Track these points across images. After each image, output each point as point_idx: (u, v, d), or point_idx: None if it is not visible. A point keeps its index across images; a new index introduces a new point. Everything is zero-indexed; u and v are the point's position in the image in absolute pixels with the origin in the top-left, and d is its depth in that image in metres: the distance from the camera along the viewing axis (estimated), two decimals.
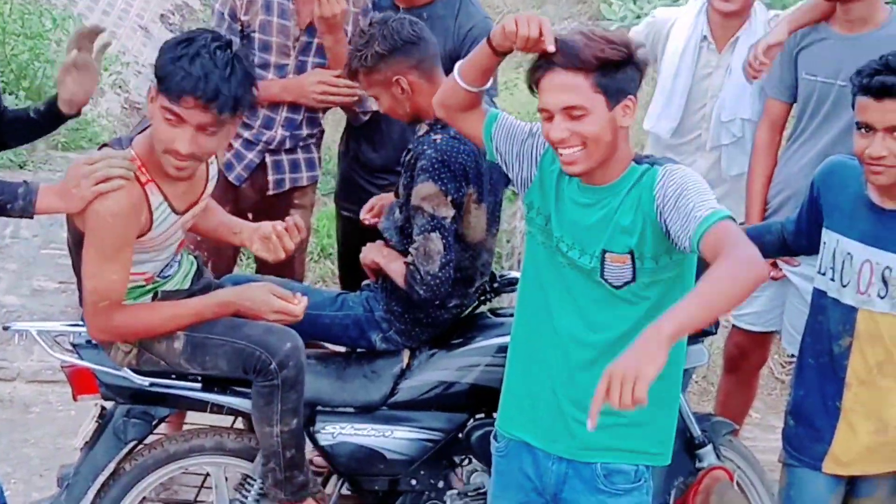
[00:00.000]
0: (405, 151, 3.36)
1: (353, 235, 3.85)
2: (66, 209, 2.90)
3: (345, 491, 3.49)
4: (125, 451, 3.29)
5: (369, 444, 3.35)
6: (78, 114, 3.22)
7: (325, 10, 3.67)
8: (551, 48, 2.58)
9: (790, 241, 3.20)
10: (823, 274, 2.99)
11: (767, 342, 4.23)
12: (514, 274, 3.60)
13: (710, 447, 3.45)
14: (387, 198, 3.68)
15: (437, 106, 2.95)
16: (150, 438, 3.34)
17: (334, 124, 4.41)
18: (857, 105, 2.84)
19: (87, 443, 3.29)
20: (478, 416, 3.42)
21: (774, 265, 3.87)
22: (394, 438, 3.35)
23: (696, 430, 3.45)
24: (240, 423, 3.52)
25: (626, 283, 2.66)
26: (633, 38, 2.63)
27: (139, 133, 2.99)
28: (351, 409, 3.37)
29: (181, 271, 3.18)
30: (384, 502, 3.47)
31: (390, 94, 3.31)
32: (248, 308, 3.08)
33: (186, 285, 3.18)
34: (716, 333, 3.54)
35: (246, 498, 3.34)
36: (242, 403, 3.23)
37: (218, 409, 3.31)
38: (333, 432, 3.35)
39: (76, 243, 2.99)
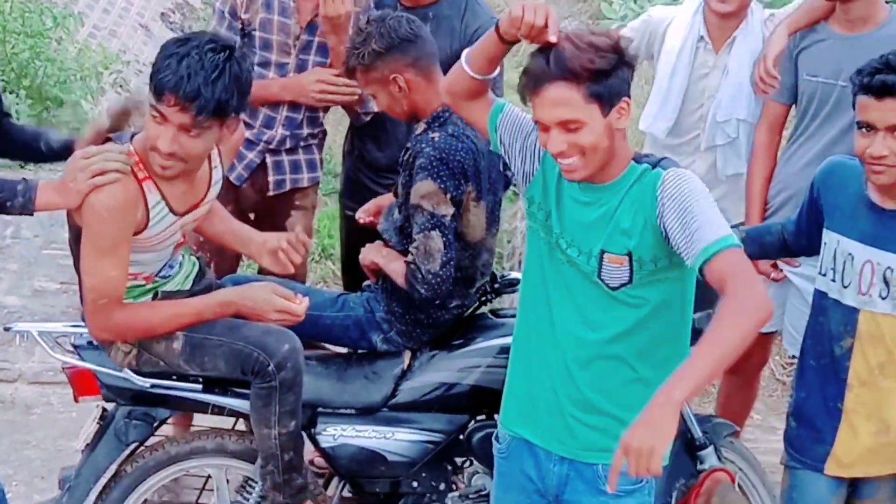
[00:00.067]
0: (403, 150, 3.36)
1: (356, 236, 3.85)
2: (65, 205, 2.91)
3: (346, 493, 3.49)
4: (126, 452, 3.29)
5: (370, 446, 3.35)
6: None
7: (330, 10, 3.67)
8: (553, 38, 2.57)
9: (790, 242, 3.20)
10: (824, 275, 2.99)
11: (768, 343, 4.22)
12: (515, 275, 3.60)
13: (711, 449, 3.44)
14: (386, 199, 3.68)
15: (444, 92, 2.94)
16: (152, 440, 3.35)
17: (335, 124, 4.40)
18: (858, 104, 2.83)
19: (88, 444, 3.29)
20: (479, 418, 3.42)
21: (775, 266, 3.86)
22: (395, 440, 3.35)
23: (698, 432, 3.45)
24: (241, 425, 3.52)
25: (623, 285, 2.65)
26: (622, 36, 2.60)
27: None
28: (352, 411, 3.37)
29: (182, 272, 3.18)
30: None
31: (388, 93, 3.30)
32: (249, 308, 3.08)
33: (188, 286, 3.18)
34: None
35: (247, 500, 3.35)
36: (243, 405, 3.23)
37: (219, 410, 3.31)
38: (334, 434, 3.35)
39: (76, 241, 3.00)
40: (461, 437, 3.41)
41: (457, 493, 3.44)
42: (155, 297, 3.11)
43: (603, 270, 2.66)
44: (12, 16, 7.34)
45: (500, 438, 2.95)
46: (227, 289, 3.22)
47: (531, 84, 2.58)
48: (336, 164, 6.49)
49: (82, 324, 3.17)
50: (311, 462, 3.87)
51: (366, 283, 3.59)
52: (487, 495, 3.35)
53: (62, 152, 3.24)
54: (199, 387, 3.24)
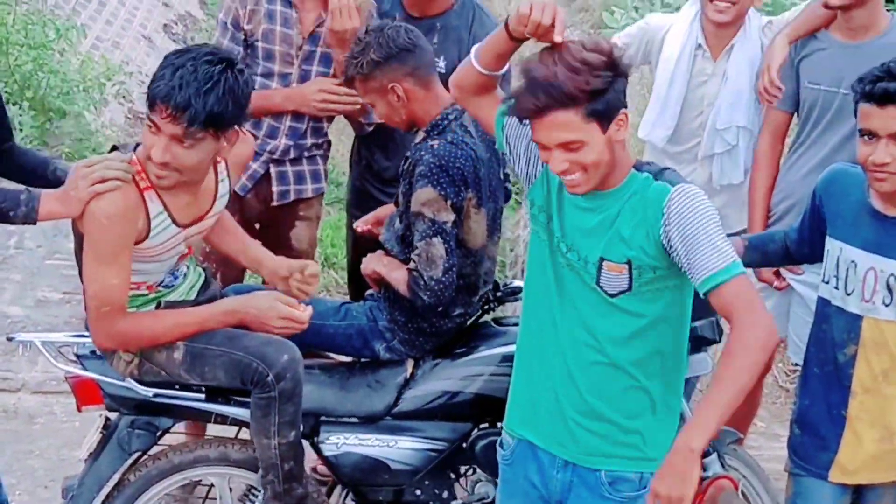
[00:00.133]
0: (403, 160, 3.36)
1: (363, 245, 3.85)
2: (68, 213, 2.92)
3: (349, 502, 3.49)
4: (129, 462, 3.28)
5: (373, 455, 3.35)
6: None
7: (337, 25, 3.68)
8: (558, 39, 2.57)
9: (793, 250, 3.20)
10: (827, 282, 2.99)
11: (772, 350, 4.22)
12: (518, 283, 3.60)
13: (714, 456, 3.44)
14: (386, 209, 3.68)
15: (452, 87, 2.94)
16: (155, 449, 3.34)
17: (337, 133, 4.41)
18: (860, 112, 2.83)
19: (91, 454, 3.29)
20: (482, 426, 3.42)
21: (778, 274, 3.87)
22: (398, 448, 3.35)
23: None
24: (244, 434, 3.51)
25: (622, 292, 2.66)
26: (614, 47, 2.58)
27: None
28: (355, 420, 3.37)
29: (186, 282, 3.18)
30: None
31: (386, 102, 3.31)
32: (253, 316, 3.09)
33: (192, 296, 3.18)
34: (719, 342, 3.54)
35: None
36: (246, 414, 3.21)
37: (222, 419, 3.31)
38: (337, 442, 3.35)
39: (80, 249, 3.01)
40: (464, 445, 3.40)
41: (460, 502, 3.44)
42: (158, 307, 3.11)
43: (602, 277, 2.66)
44: (15, 28, 7.36)
45: (504, 445, 2.96)
46: (230, 298, 3.23)
47: (527, 111, 2.56)
48: (339, 173, 6.51)
49: (85, 333, 3.17)
50: (315, 470, 3.88)
51: (368, 292, 3.59)
52: (491, 503, 3.35)
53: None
54: (202, 396, 3.24)
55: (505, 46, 2.76)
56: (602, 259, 2.65)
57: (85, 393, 3.25)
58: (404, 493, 3.42)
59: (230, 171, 3.17)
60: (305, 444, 3.33)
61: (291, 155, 3.97)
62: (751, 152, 4.05)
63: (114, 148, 3.05)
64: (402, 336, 3.42)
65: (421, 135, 3.34)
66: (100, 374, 3.20)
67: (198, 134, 2.79)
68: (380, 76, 3.27)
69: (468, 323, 3.53)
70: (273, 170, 3.96)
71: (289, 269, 3.27)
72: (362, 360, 3.49)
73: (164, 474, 3.30)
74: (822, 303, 3.02)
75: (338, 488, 3.49)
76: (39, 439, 4.53)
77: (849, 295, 2.92)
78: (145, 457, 3.32)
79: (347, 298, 4.42)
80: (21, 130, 6.64)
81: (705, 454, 3.43)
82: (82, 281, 3.01)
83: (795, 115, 3.96)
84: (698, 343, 3.37)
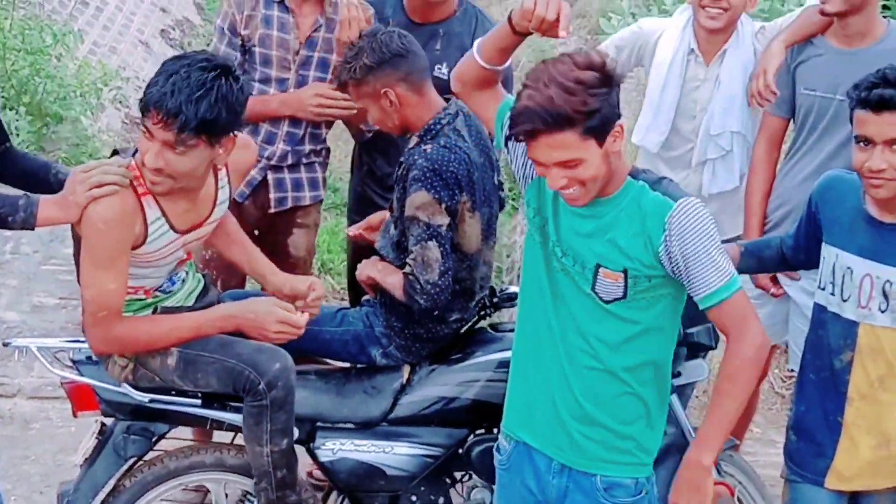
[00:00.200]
0: (397, 165, 3.37)
1: (363, 251, 3.85)
2: (66, 219, 2.92)
3: None
4: (125, 467, 3.28)
5: (369, 460, 3.34)
6: None
7: (345, 36, 3.70)
8: (564, 34, 2.58)
9: (789, 256, 3.20)
10: (823, 289, 2.99)
11: (768, 357, 4.21)
12: (514, 289, 3.59)
13: None
14: (378, 216, 3.69)
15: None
16: (150, 455, 3.33)
17: (334, 139, 4.41)
18: (856, 119, 2.83)
19: (86, 459, 3.28)
20: (478, 432, 3.42)
21: (774, 281, 3.87)
22: (394, 454, 3.35)
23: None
24: (240, 440, 3.50)
25: (617, 300, 2.66)
26: (606, 60, 2.56)
27: None
28: (351, 425, 3.36)
29: (185, 288, 3.18)
30: None
31: (379, 107, 3.32)
32: (250, 320, 3.08)
33: (190, 302, 3.18)
34: (715, 348, 3.54)
35: None
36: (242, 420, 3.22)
37: (218, 425, 3.31)
38: (333, 448, 3.35)
39: (79, 253, 3.00)
40: (460, 451, 3.40)
41: None
42: (155, 313, 3.11)
43: (597, 284, 2.67)
44: (12, 33, 7.35)
45: (501, 450, 2.96)
46: (227, 303, 3.23)
47: (523, 134, 2.55)
48: (335, 179, 6.51)
49: (81, 339, 3.17)
50: (311, 475, 3.87)
51: (365, 297, 3.59)
52: None
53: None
54: (198, 402, 3.24)
55: (508, 41, 2.76)
56: (598, 266, 2.66)
57: (81, 398, 3.25)
58: (400, 499, 3.42)
59: (232, 178, 3.16)
60: (301, 449, 3.33)
61: (289, 161, 3.96)
62: (745, 158, 4.05)
63: (115, 152, 3.05)
64: (399, 342, 3.42)
65: (414, 139, 3.35)
66: (95, 380, 3.20)
67: (190, 140, 2.79)
68: (373, 81, 3.28)
69: (464, 329, 3.53)
70: (270, 176, 3.95)
71: (292, 289, 3.28)
72: (359, 365, 3.49)
73: (160, 480, 3.30)
74: (819, 309, 3.02)
75: (334, 494, 3.49)
76: (35, 444, 4.53)
77: (845, 301, 2.93)
78: (141, 462, 3.31)
79: (344, 304, 4.42)
80: (17, 135, 6.63)
81: None
82: (80, 285, 3.01)
83: (791, 121, 3.96)
84: (694, 349, 3.37)
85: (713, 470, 2.72)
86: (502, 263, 6.01)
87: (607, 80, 2.53)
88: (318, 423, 3.35)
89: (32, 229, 2.96)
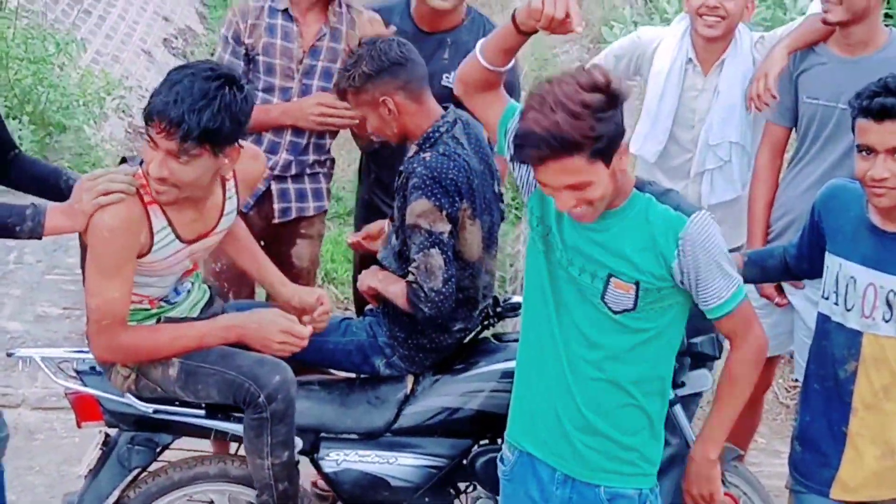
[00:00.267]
0: (396, 175, 3.37)
1: (370, 260, 3.86)
2: (73, 227, 2.93)
3: None
4: (129, 478, 3.29)
5: (373, 471, 3.34)
6: None
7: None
8: (579, 29, 2.55)
9: (792, 266, 3.20)
10: (827, 298, 2.98)
11: (772, 367, 4.21)
12: (518, 299, 3.59)
13: None
14: (376, 225, 3.70)
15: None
16: (154, 465, 3.33)
17: (336, 148, 4.41)
18: (858, 128, 2.83)
19: (91, 470, 3.29)
20: (482, 443, 3.41)
21: (779, 290, 3.86)
22: (398, 465, 3.35)
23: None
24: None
25: (626, 310, 2.66)
26: (610, 78, 2.52)
27: None
28: (355, 436, 3.36)
29: (189, 300, 3.18)
30: None
31: (377, 115, 3.32)
32: (254, 330, 3.08)
33: (195, 314, 3.18)
34: (719, 358, 3.54)
35: None
36: None
37: (222, 436, 3.31)
38: (337, 459, 3.34)
39: (85, 262, 3.01)
40: (464, 461, 3.40)
41: None
42: (158, 323, 3.11)
43: (607, 294, 2.67)
44: (15, 42, 7.36)
45: (504, 460, 2.96)
46: (231, 314, 3.23)
47: (530, 161, 2.54)
48: (338, 189, 6.51)
49: (85, 349, 3.17)
50: (315, 485, 3.87)
51: (368, 307, 3.59)
52: None
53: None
54: (202, 412, 3.24)
55: (512, 41, 2.72)
56: (610, 276, 2.65)
57: (84, 409, 3.25)
58: None
59: (240, 188, 3.16)
60: (305, 460, 3.33)
61: (293, 171, 3.96)
62: (745, 168, 4.05)
63: (123, 160, 3.06)
64: (402, 352, 3.42)
65: (413, 148, 3.35)
66: (99, 391, 3.21)
67: (193, 150, 2.79)
68: (371, 89, 3.28)
69: (468, 339, 3.53)
70: (274, 187, 3.95)
71: (300, 301, 3.30)
72: (362, 376, 3.49)
73: (164, 491, 3.30)
74: (822, 319, 3.01)
75: None
76: (39, 455, 4.52)
77: (849, 311, 2.92)
78: (145, 473, 3.32)
79: (348, 314, 4.42)
80: (21, 145, 6.61)
81: None
82: (85, 292, 3.01)
83: (794, 130, 3.96)
84: (698, 359, 3.37)
85: (718, 464, 2.93)
86: (505, 273, 6.01)
87: (613, 100, 2.50)
88: (322, 434, 3.35)
89: (40, 238, 2.97)
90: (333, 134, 4.05)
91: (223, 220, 3.12)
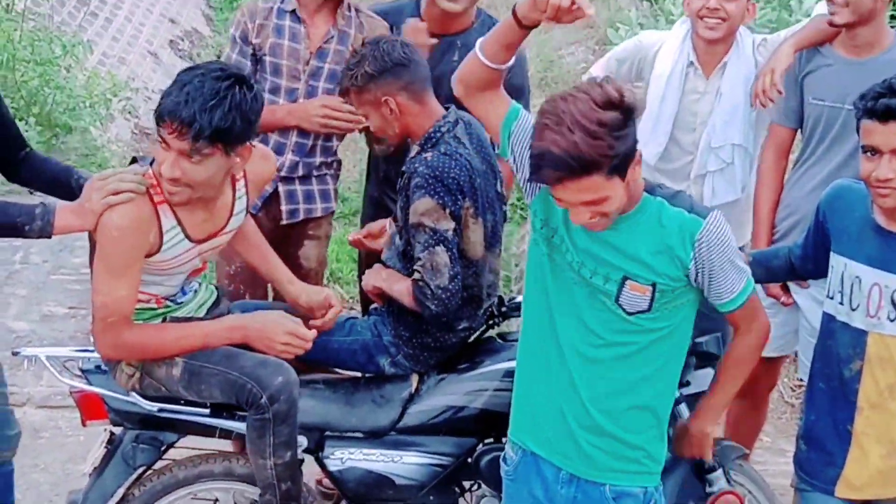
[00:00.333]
0: (399, 176, 3.37)
1: (374, 259, 3.86)
2: (82, 226, 2.93)
3: None
4: (134, 476, 3.28)
5: (378, 470, 3.34)
6: None
7: None
8: (590, 11, 2.52)
9: (798, 266, 3.20)
10: (832, 298, 2.99)
11: (777, 366, 4.22)
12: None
13: (720, 472, 3.42)
14: (377, 224, 3.70)
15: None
16: (159, 464, 3.34)
17: (342, 148, 4.42)
18: (862, 129, 2.83)
19: (96, 468, 3.29)
20: (487, 441, 3.41)
21: (785, 289, 3.86)
22: (403, 464, 3.35)
23: (707, 455, 3.43)
24: None
25: (640, 312, 2.66)
26: (624, 93, 2.51)
27: None
28: (360, 434, 3.36)
29: (196, 300, 3.18)
30: None
31: (379, 114, 3.33)
32: (258, 331, 3.08)
33: (201, 314, 3.19)
34: None
35: None
36: None
37: (226, 434, 3.31)
38: (342, 457, 3.34)
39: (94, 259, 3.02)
40: (469, 460, 3.40)
41: None
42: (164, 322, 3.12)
43: (622, 296, 2.67)
44: (22, 44, 7.38)
45: (508, 460, 2.96)
46: (236, 314, 3.23)
47: (549, 180, 2.53)
48: (343, 188, 6.51)
49: (90, 348, 3.18)
50: (320, 483, 3.87)
51: (373, 306, 3.59)
52: None
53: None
54: (207, 411, 3.24)
55: (513, 36, 2.69)
56: (625, 278, 2.66)
57: (89, 407, 3.26)
58: None
59: (250, 188, 3.17)
60: (310, 458, 3.34)
61: (300, 172, 3.97)
62: (746, 170, 4.05)
63: (133, 160, 3.06)
64: (407, 351, 3.42)
65: (415, 149, 3.36)
66: (104, 389, 3.21)
67: (205, 149, 2.80)
68: (374, 89, 3.29)
69: (472, 338, 3.53)
70: (282, 189, 3.96)
71: (307, 301, 3.31)
72: (367, 375, 3.49)
73: (169, 489, 3.30)
74: (827, 318, 3.01)
75: (343, 503, 3.49)
76: (44, 453, 4.54)
77: (854, 310, 2.92)
78: (150, 471, 3.32)
79: (352, 313, 4.42)
80: None
81: (711, 470, 3.43)
82: (92, 290, 3.02)
83: (799, 131, 3.96)
84: (703, 358, 3.37)
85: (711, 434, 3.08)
86: (510, 272, 6.01)
87: (628, 116, 2.50)
88: (327, 433, 3.35)
89: (49, 237, 2.98)
90: (341, 136, 4.04)
91: (233, 219, 3.12)
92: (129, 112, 8.24)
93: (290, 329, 3.09)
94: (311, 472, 3.37)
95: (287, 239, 4.02)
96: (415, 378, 3.43)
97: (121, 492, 3.28)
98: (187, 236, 3.00)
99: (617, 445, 2.75)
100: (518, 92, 3.85)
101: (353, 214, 6.43)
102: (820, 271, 3.08)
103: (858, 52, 3.73)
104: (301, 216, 4.02)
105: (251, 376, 3.04)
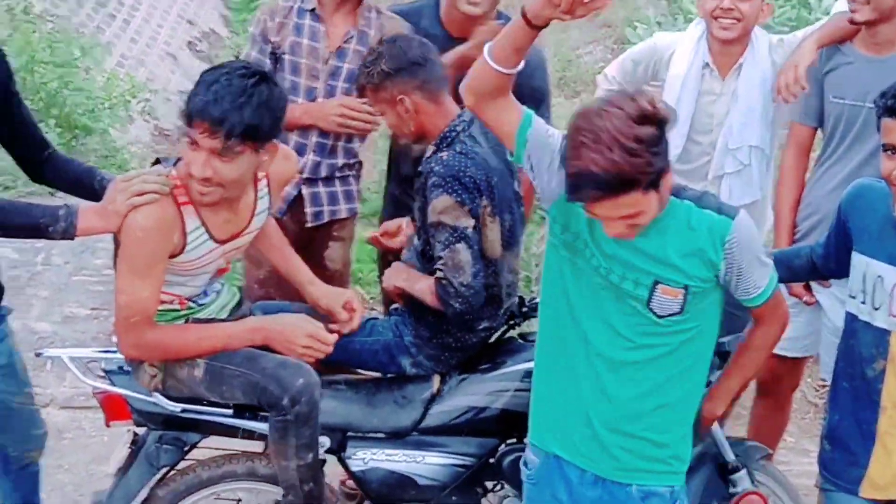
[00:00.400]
0: (416, 176, 3.37)
1: (395, 258, 3.86)
2: (106, 228, 2.94)
3: None
4: (158, 476, 3.30)
5: (401, 470, 3.35)
6: None
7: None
8: (607, 0, 2.46)
9: (819, 266, 3.19)
10: (854, 297, 2.98)
11: (800, 366, 4.20)
12: None
13: (744, 472, 3.42)
14: (395, 223, 3.70)
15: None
16: (183, 464, 3.35)
17: (361, 150, 4.43)
18: (883, 127, 2.82)
19: (119, 469, 3.30)
20: (509, 441, 3.41)
21: (808, 289, 3.84)
22: (425, 464, 3.35)
23: (730, 455, 3.43)
24: None
25: (672, 314, 2.66)
26: (657, 106, 2.49)
27: None
28: (382, 435, 3.37)
29: (219, 301, 3.19)
30: None
31: (395, 113, 3.33)
32: (279, 332, 3.08)
33: (223, 316, 3.19)
34: None
35: None
36: None
37: (249, 435, 3.32)
38: (365, 458, 3.35)
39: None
40: (491, 460, 3.40)
41: None
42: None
43: (654, 300, 2.66)
44: (41, 46, 7.43)
45: (529, 464, 2.95)
46: (258, 316, 3.24)
47: (588, 199, 2.51)
48: (362, 189, 6.52)
49: (113, 349, 3.18)
50: (343, 484, 3.88)
51: (394, 306, 3.60)
52: None
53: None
54: (230, 411, 3.25)
55: (523, 38, 2.59)
56: (657, 283, 2.65)
57: (113, 408, 3.27)
58: None
59: (272, 188, 3.17)
60: (333, 459, 3.34)
61: (322, 173, 3.97)
62: (763, 172, 4.04)
63: (157, 161, 3.07)
64: (428, 351, 3.42)
65: (431, 149, 3.35)
66: (128, 390, 3.21)
67: (236, 147, 2.80)
68: (390, 87, 3.29)
69: (494, 338, 3.53)
70: (305, 191, 3.96)
71: (328, 304, 3.32)
72: (388, 375, 3.49)
73: (192, 489, 3.31)
74: (850, 318, 3.01)
75: (366, 503, 3.49)
76: (68, 454, 4.56)
77: (876, 310, 2.91)
78: (173, 472, 3.33)
79: (374, 313, 4.42)
80: None
81: (735, 470, 3.42)
82: (115, 289, 3.03)
83: (820, 129, 3.95)
84: (726, 358, 3.36)
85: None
86: (531, 273, 6.00)
87: (663, 130, 2.49)
88: (349, 433, 3.36)
89: (72, 239, 2.99)
90: (362, 137, 4.04)
91: (255, 219, 3.13)
92: (149, 113, 8.28)
93: (310, 332, 3.09)
94: (334, 472, 3.37)
95: (312, 241, 4.03)
96: (436, 379, 3.43)
97: (144, 492, 3.29)
98: (211, 237, 3.01)
99: (644, 445, 2.75)
100: (539, 93, 3.84)
101: (373, 215, 6.42)
102: (842, 271, 3.07)
103: (879, 49, 3.71)
104: (326, 218, 4.02)
105: (272, 378, 3.04)
